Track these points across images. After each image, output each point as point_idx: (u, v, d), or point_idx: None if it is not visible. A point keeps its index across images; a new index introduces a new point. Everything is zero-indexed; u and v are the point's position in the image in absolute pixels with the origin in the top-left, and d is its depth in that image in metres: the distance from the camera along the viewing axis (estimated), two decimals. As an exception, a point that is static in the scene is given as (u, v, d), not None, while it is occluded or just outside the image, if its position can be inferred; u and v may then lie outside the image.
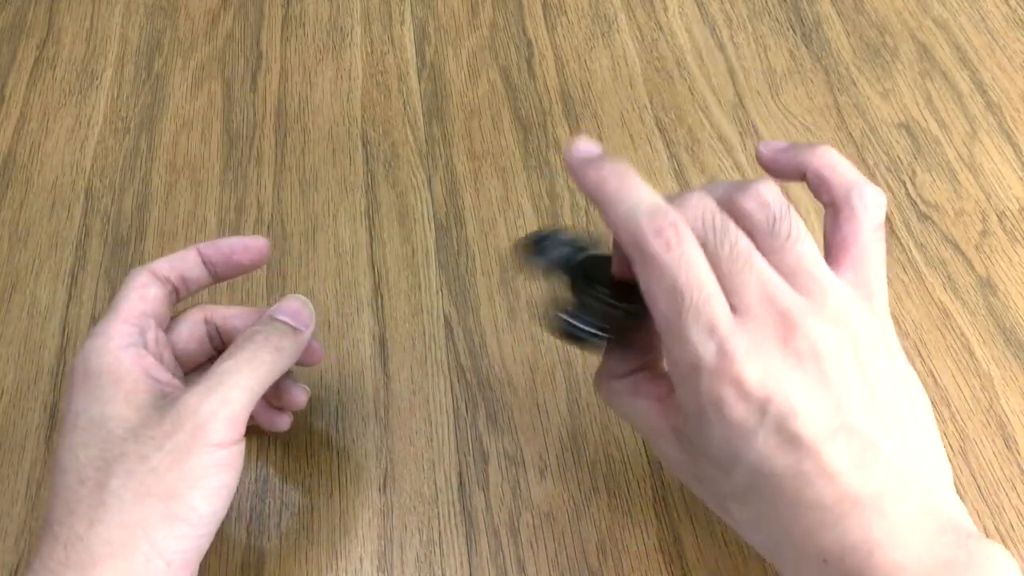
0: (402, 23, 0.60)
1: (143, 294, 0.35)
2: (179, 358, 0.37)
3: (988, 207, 0.47)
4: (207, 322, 0.38)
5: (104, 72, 0.60)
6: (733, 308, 0.27)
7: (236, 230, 0.50)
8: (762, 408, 0.26)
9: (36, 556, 0.30)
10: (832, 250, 0.29)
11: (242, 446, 0.32)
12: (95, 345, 0.33)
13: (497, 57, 0.57)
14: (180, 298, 0.37)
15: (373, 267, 0.48)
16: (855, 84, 0.53)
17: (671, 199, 0.28)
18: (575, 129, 0.53)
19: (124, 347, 0.33)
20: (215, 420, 0.31)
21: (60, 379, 0.45)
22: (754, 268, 0.27)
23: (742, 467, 0.27)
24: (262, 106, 0.56)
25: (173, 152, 0.55)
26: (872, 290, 0.28)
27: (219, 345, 0.38)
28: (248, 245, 0.38)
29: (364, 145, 0.54)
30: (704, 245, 0.27)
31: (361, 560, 0.39)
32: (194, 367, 0.38)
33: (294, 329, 0.35)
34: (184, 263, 0.37)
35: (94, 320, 0.47)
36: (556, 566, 0.38)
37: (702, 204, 0.28)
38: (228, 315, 0.38)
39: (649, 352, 0.33)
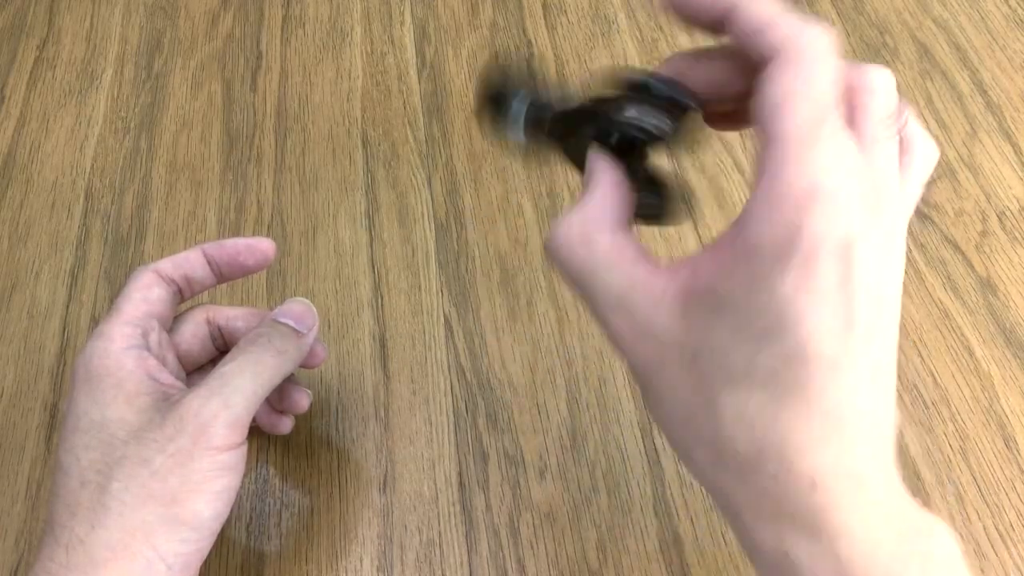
0: (402, 23, 0.60)
1: (146, 295, 0.35)
2: (181, 359, 0.37)
3: (988, 207, 0.47)
4: (209, 323, 0.38)
5: (104, 72, 0.60)
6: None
7: (236, 230, 0.50)
8: (848, 268, 0.21)
9: (37, 557, 0.30)
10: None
11: (244, 449, 0.32)
12: (97, 346, 0.32)
13: (497, 57, 0.57)
14: (184, 299, 0.37)
15: (373, 267, 0.48)
16: (855, 84, 0.53)
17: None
18: (575, 129, 0.53)
19: (126, 349, 0.33)
20: (217, 423, 0.31)
21: (60, 379, 0.45)
22: (890, 144, 0.24)
23: (788, 339, 0.21)
24: (262, 106, 0.56)
25: (173, 152, 0.55)
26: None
27: (221, 346, 0.38)
28: (253, 246, 0.37)
29: (364, 145, 0.54)
30: (869, 107, 0.24)
31: (361, 560, 0.39)
32: (196, 368, 0.38)
33: (297, 332, 0.35)
34: (188, 263, 0.36)
35: (94, 320, 0.47)
36: (556, 566, 0.38)
37: (887, 78, 0.25)
38: (231, 316, 0.38)
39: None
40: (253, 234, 0.50)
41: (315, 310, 0.37)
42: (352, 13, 0.61)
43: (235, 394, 0.31)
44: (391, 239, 0.49)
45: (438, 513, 0.39)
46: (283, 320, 0.35)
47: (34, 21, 0.64)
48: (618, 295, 0.24)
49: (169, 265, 0.36)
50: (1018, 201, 0.47)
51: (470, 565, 0.38)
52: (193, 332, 0.37)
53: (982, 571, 0.36)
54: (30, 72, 0.60)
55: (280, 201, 0.51)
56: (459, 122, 0.54)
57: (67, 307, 0.48)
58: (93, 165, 0.55)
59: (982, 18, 0.55)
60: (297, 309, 0.36)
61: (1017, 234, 0.45)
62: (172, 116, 0.57)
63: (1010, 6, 0.55)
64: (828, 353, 0.21)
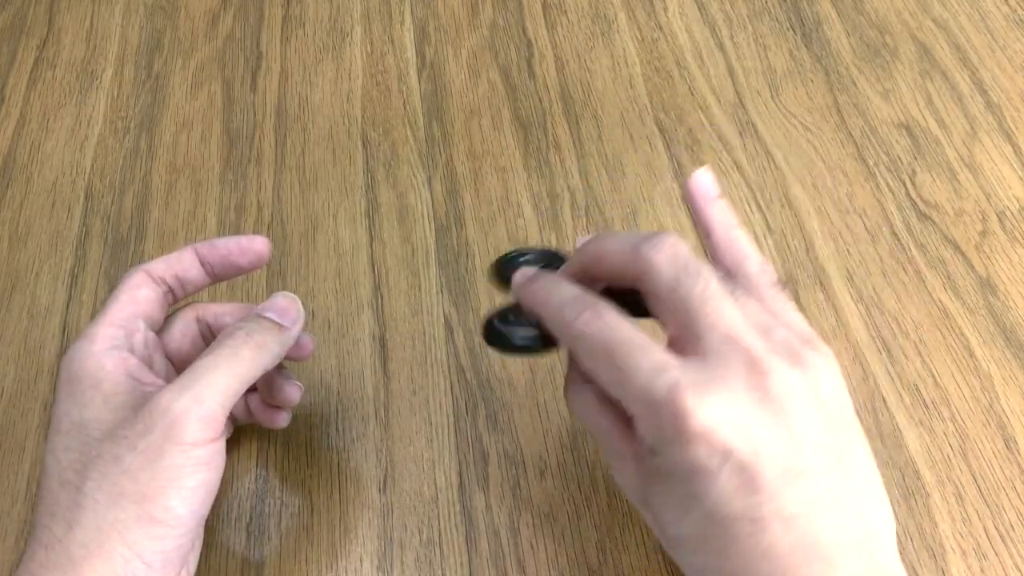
0: (402, 23, 0.60)
1: (134, 295, 0.35)
2: (172, 357, 0.37)
3: (988, 207, 0.47)
4: (199, 320, 0.38)
5: (104, 72, 0.60)
6: (698, 350, 0.27)
7: (236, 230, 0.50)
8: (726, 445, 0.25)
9: (21, 559, 0.30)
10: None
11: (220, 444, 0.32)
12: (79, 348, 0.33)
13: (497, 57, 0.57)
14: (177, 299, 0.37)
15: (373, 267, 0.48)
16: (855, 84, 0.53)
17: (648, 235, 0.29)
18: (575, 129, 0.53)
19: (107, 350, 0.32)
20: (187, 419, 0.30)
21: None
22: (724, 309, 0.27)
23: (699, 509, 0.26)
24: (262, 106, 0.56)
25: (173, 152, 0.55)
26: (806, 336, 0.29)
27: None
28: (245, 246, 0.37)
29: (364, 145, 0.54)
30: (676, 287, 0.28)
31: (361, 560, 0.39)
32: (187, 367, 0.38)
33: (279, 326, 0.35)
34: (180, 264, 0.36)
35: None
36: (556, 566, 0.38)
37: (676, 247, 0.28)
38: (219, 312, 0.38)
39: None
40: (254, 234, 0.50)
41: (300, 304, 0.36)
42: (352, 13, 0.61)
43: (207, 388, 0.31)
44: (391, 239, 0.49)
45: (438, 513, 0.39)
46: (266, 314, 0.35)
47: (34, 21, 0.64)
48: (601, 444, 0.31)
49: (160, 265, 0.36)
50: (1018, 201, 0.47)
51: (470, 565, 0.38)
52: (183, 331, 0.37)
53: (982, 571, 0.36)
54: (30, 72, 0.60)
55: (280, 201, 0.51)
56: (459, 122, 0.54)
57: (67, 307, 0.48)
58: (93, 165, 0.55)
59: (982, 18, 0.55)
60: (281, 303, 0.36)
61: (1017, 234, 0.45)
62: (172, 116, 0.57)
63: (1010, 6, 0.55)
64: (740, 508, 0.25)
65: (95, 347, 0.32)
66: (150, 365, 0.35)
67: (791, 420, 0.26)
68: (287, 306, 0.36)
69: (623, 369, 0.27)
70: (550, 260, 0.35)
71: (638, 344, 0.27)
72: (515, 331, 0.32)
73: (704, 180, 0.33)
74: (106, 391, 0.31)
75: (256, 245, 0.37)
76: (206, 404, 0.31)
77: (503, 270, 0.35)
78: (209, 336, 0.38)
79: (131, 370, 0.33)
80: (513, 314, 0.33)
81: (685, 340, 0.27)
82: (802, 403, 0.26)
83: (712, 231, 0.32)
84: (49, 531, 0.30)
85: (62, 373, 0.32)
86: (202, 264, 0.37)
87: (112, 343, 0.33)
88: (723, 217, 0.32)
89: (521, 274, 0.33)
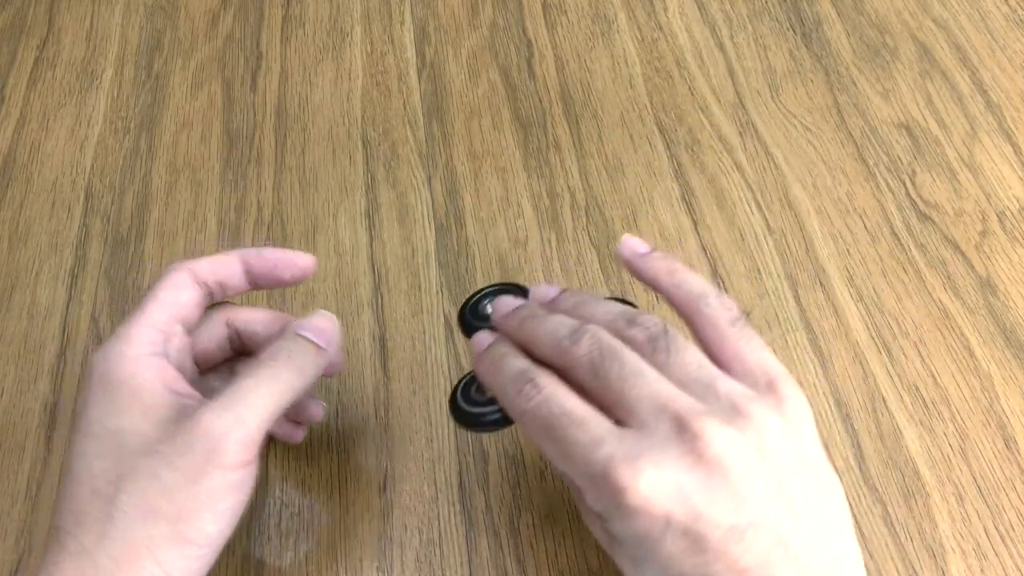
0: (402, 23, 0.60)
1: (177, 297, 0.34)
2: (196, 358, 0.36)
3: (988, 207, 0.47)
4: (228, 324, 0.37)
5: (104, 72, 0.60)
6: (632, 422, 0.28)
7: (236, 230, 0.50)
8: (666, 515, 0.26)
9: (42, 562, 0.30)
10: (712, 359, 0.30)
11: (255, 467, 0.31)
12: (116, 349, 0.32)
13: (497, 57, 0.57)
14: (212, 302, 0.36)
15: (373, 267, 0.48)
16: (855, 84, 0.53)
17: (570, 330, 0.30)
18: (575, 129, 0.53)
19: (146, 356, 0.32)
20: (229, 441, 0.30)
21: (60, 379, 0.45)
22: (645, 382, 0.28)
23: (653, 567, 0.27)
24: (262, 106, 0.56)
25: (173, 152, 0.55)
26: (769, 377, 0.29)
27: (238, 347, 0.38)
28: (292, 260, 0.36)
29: (364, 145, 0.54)
30: (596, 375, 0.29)
31: (361, 560, 0.39)
32: (210, 367, 0.38)
33: (318, 348, 0.34)
34: (226, 269, 0.35)
35: (94, 320, 0.47)
36: (556, 566, 0.38)
37: (594, 337, 0.29)
38: (250, 319, 0.37)
39: None
40: (253, 234, 0.50)
41: (338, 324, 0.36)
42: (352, 13, 0.61)
43: (249, 411, 0.31)
44: (391, 239, 0.49)
45: (438, 513, 0.39)
46: (304, 333, 0.34)
47: (34, 21, 0.64)
48: (578, 504, 0.32)
49: (206, 267, 0.35)
50: (1018, 201, 0.47)
51: (470, 565, 0.38)
52: (210, 334, 0.37)
53: (982, 571, 0.36)
54: (30, 72, 0.60)
55: (280, 201, 0.51)
56: (459, 122, 0.54)
57: (67, 307, 0.48)
58: (93, 165, 0.55)
59: (982, 18, 0.55)
60: (320, 323, 0.35)
61: (1017, 234, 0.45)
62: (172, 116, 0.57)
63: (1010, 6, 0.55)
64: (690, 566, 0.26)
65: (132, 350, 0.32)
66: (182, 371, 0.34)
67: (730, 478, 0.26)
68: (325, 327, 0.35)
69: (562, 444, 0.28)
70: (514, 294, 0.36)
71: (576, 419, 0.28)
72: (478, 411, 0.33)
73: (630, 243, 0.34)
74: (145, 402, 0.31)
75: (301, 260, 0.37)
76: (247, 426, 0.30)
77: (466, 327, 0.36)
78: (236, 341, 0.37)
79: (169, 381, 0.32)
80: (477, 388, 0.34)
81: (621, 415, 0.28)
82: (741, 459, 0.26)
83: (657, 284, 0.32)
84: (76, 540, 0.29)
85: (95, 372, 0.32)
86: (245, 272, 0.36)
87: (150, 348, 0.32)
88: (662, 264, 0.32)
89: (477, 343, 0.33)
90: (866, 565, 0.36)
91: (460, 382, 0.35)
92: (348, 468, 0.41)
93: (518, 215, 0.49)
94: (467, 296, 0.38)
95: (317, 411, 0.39)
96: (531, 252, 0.48)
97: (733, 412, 0.27)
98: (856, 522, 0.37)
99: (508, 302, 0.34)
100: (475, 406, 0.34)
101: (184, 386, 0.33)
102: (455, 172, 0.51)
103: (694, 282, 0.32)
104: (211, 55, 0.60)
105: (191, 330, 0.35)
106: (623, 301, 0.36)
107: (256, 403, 0.31)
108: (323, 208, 0.51)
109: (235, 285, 0.36)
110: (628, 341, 0.30)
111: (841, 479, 0.38)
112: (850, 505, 0.38)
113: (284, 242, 0.49)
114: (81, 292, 0.49)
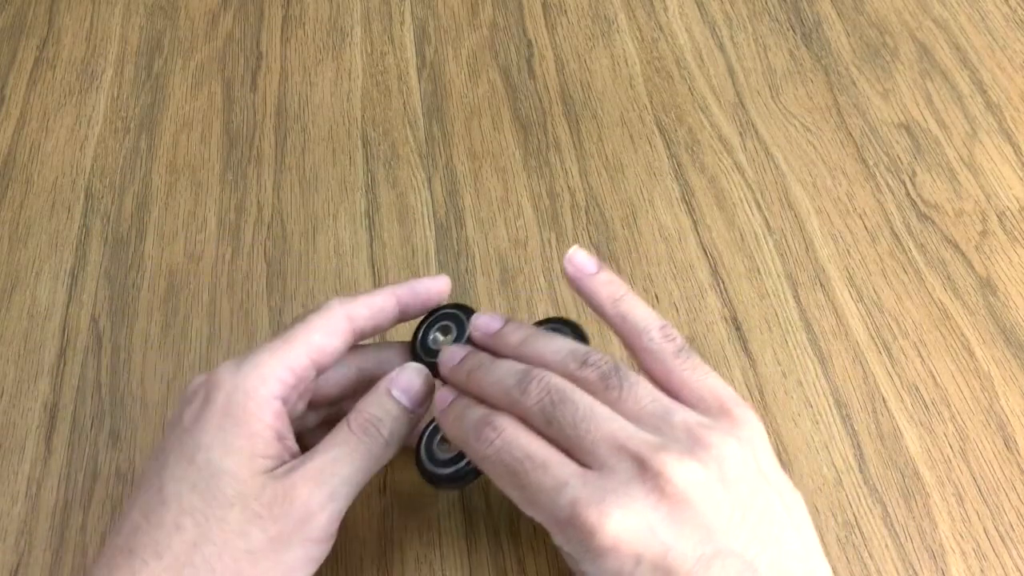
0: (402, 23, 0.60)
1: (326, 343, 0.32)
2: (313, 399, 0.35)
3: (988, 207, 0.47)
4: (360, 370, 0.36)
5: (104, 72, 0.60)
6: (593, 464, 0.28)
7: (236, 230, 0.50)
8: (636, 554, 0.26)
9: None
10: (663, 390, 0.30)
11: (333, 541, 0.31)
12: (249, 382, 0.31)
13: (497, 57, 0.57)
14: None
15: (373, 267, 0.48)
16: (855, 84, 0.53)
17: (518, 379, 0.30)
18: (575, 129, 0.53)
19: (273, 398, 0.31)
20: (320, 516, 0.30)
21: (60, 379, 0.45)
22: (599, 423, 0.28)
23: None
24: (262, 106, 0.56)
25: (173, 152, 0.55)
26: (721, 401, 0.29)
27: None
28: (441, 289, 0.36)
29: (364, 145, 0.54)
30: (550, 422, 0.29)
31: (361, 560, 0.39)
32: (322, 406, 0.36)
33: (407, 413, 0.33)
34: (383, 315, 0.34)
35: (94, 320, 0.47)
36: (556, 566, 0.38)
37: (541, 384, 0.29)
38: (383, 360, 0.36)
39: None
40: (253, 234, 0.50)
41: (431, 380, 0.34)
42: (352, 13, 0.61)
43: (343, 486, 0.31)
44: (391, 239, 0.49)
45: (438, 513, 0.39)
46: (396, 394, 0.33)
47: (34, 21, 0.64)
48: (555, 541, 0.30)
49: (364, 313, 0.34)
50: (1018, 201, 0.47)
51: (470, 565, 0.38)
52: (338, 379, 0.35)
53: (982, 572, 0.36)
54: (30, 72, 0.60)
55: (280, 201, 0.51)
56: (459, 122, 0.54)
57: (67, 307, 0.48)
58: (93, 165, 0.55)
59: (982, 18, 0.55)
60: (414, 384, 0.33)
61: (1017, 234, 0.45)
62: (172, 116, 0.57)
63: (1010, 6, 0.55)
64: None
65: (264, 389, 0.31)
66: (292, 415, 0.33)
67: (694, 510, 0.26)
68: (419, 389, 0.34)
69: (527, 491, 0.28)
70: (460, 320, 0.35)
71: (538, 462, 0.28)
72: (441, 471, 0.33)
73: (579, 258, 0.33)
74: (256, 449, 0.30)
75: (440, 284, 0.36)
76: (338, 503, 0.30)
77: (419, 355, 0.35)
78: (364, 382, 0.35)
79: (281, 430, 0.31)
80: (441, 440, 0.34)
81: (581, 457, 0.28)
82: (704, 491, 0.27)
83: (602, 310, 0.32)
84: (148, 569, 0.29)
85: (220, 396, 0.30)
86: (400, 311, 0.35)
87: (280, 389, 0.31)
88: (608, 291, 0.32)
89: (439, 402, 0.33)
90: (866, 565, 0.36)
91: (422, 435, 0.34)
92: (348, 468, 0.41)
93: (518, 215, 0.49)
94: (414, 328, 0.36)
95: None
96: (531, 252, 0.48)
97: (691, 443, 0.27)
98: (856, 522, 0.37)
99: (453, 353, 0.33)
100: (440, 465, 0.33)
101: (290, 437, 0.32)
102: (455, 172, 0.52)
103: (638, 313, 0.32)
104: (211, 55, 0.60)
105: (321, 373, 0.34)
106: (567, 323, 0.36)
107: (349, 478, 0.31)
108: (323, 208, 0.51)
109: (386, 326, 0.35)
110: (578, 381, 0.30)
111: (841, 479, 0.38)
112: (850, 505, 0.38)
113: (284, 242, 0.49)
114: (81, 292, 0.49)
